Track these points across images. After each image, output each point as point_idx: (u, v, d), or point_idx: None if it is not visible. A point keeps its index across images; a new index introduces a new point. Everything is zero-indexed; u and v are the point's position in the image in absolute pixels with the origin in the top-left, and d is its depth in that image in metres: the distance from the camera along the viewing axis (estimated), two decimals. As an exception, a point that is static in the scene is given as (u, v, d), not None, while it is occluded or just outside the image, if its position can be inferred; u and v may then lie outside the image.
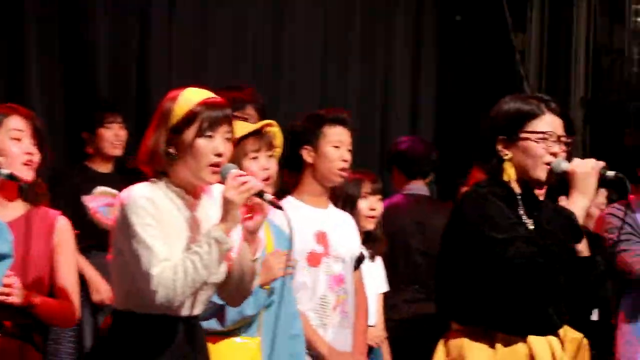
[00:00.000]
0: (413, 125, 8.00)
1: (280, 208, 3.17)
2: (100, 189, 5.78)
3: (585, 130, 8.37)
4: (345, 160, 4.40)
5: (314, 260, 4.39)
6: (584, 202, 3.25)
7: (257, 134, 3.89)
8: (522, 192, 3.38)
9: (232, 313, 3.77)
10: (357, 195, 4.84)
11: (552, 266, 3.18)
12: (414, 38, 8.06)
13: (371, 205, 4.93)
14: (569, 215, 3.22)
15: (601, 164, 3.28)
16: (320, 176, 4.42)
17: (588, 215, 3.57)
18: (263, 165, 3.85)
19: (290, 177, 5.34)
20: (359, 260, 4.64)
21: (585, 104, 8.45)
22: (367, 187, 4.91)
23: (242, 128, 3.69)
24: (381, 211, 4.98)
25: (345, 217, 4.59)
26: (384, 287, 5.12)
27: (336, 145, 4.39)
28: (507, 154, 3.35)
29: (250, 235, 3.22)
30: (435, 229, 5.36)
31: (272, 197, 3.19)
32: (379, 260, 5.06)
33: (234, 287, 3.32)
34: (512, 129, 3.34)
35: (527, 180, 3.37)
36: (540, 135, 3.31)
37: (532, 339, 3.30)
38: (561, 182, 3.33)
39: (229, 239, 3.12)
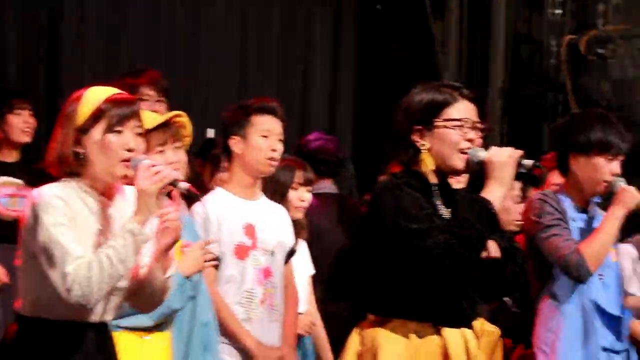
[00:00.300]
0: (332, 115, 7.97)
1: (196, 196, 3.14)
2: (1, 179, 5.53)
3: (503, 121, 8.42)
4: (274, 150, 4.29)
5: (241, 252, 4.30)
6: (500, 191, 3.23)
7: (164, 126, 3.82)
8: (439, 182, 3.36)
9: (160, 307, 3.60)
10: (288, 183, 4.73)
11: (470, 256, 3.16)
12: (334, 26, 8.04)
13: (301, 196, 4.78)
14: (485, 205, 3.19)
15: (519, 152, 3.26)
16: (249, 167, 4.32)
17: (503, 209, 3.60)
18: (168, 159, 3.75)
19: (203, 168, 5.30)
20: (290, 253, 4.55)
21: (504, 94, 8.50)
22: (299, 176, 4.77)
23: (147, 121, 3.54)
24: (310, 201, 4.85)
25: (277, 208, 4.51)
26: (311, 270, 5.03)
27: (265, 135, 4.28)
28: (423, 144, 3.33)
29: (163, 254, 3.16)
30: (345, 227, 5.62)
31: (188, 185, 3.11)
32: (303, 244, 4.91)
33: (143, 301, 3.27)
34: (427, 118, 3.31)
35: (443, 170, 3.35)
36: (456, 123, 3.29)
37: (446, 330, 3.29)
38: (479, 172, 3.32)
39: (145, 231, 3.05)
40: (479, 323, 3.40)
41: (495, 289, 3.47)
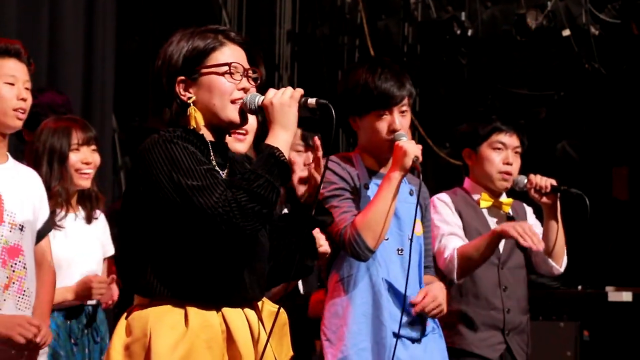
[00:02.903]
0: (87, 60, 7.13)
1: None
2: None
3: (293, 67, 8.40)
4: (23, 99, 4.04)
5: (-19, 227, 4.05)
6: (286, 135, 3.12)
7: None
8: (213, 139, 3.21)
9: None
10: (65, 148, 4.52)
11: (261, 212, 3.00)
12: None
13: (84, 157, 4.56)
14: (272, 152, 3.06)
15: (300, 91, 3.15)
16: None
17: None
18: None
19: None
20: (46, 228, 4.24)
21: (293, 36, 8.43)
22: (77, 136, 4.55)
23: None
24: (97, 165, 4.65)
25: (30, 175, 4.23)
26: (112, 250, 4.82)
27: (10, 82, 4.03)
28: (190, 96, 3.17)
29: None
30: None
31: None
32: (102, 220, 4.71)
33: None
34: (190, 67, 3.18)
35: (216, 124, 3.20)
36: (225, 68, 3.17)
37: (226, 311, 3.12)
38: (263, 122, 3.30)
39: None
40: (264, 304, 3.25)
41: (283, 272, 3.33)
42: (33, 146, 4.48)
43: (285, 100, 3.14)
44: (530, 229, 4.23)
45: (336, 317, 3.94)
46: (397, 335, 3.88)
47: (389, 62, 4.07)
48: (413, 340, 3.93)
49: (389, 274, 3.91)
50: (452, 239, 4.45)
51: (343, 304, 3.94)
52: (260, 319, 3.17)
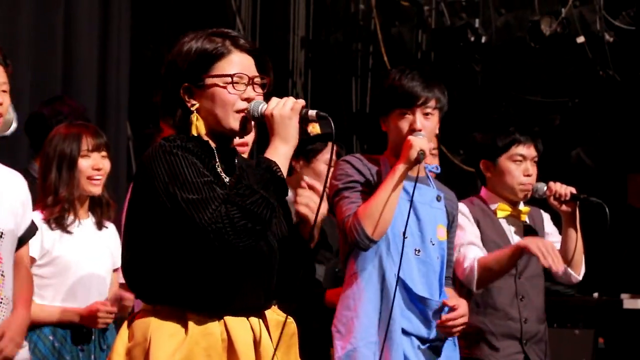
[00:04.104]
0: (102, 65, 7.11)
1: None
2: None
3: (307, 73, 8.31)
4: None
5: (-43, 234, 3.96)
6: (285, 149, 3.09)
7: None
8: (217, 145, 3.17)
9: None
10: (75, 154, 4.49)
11: (254, 229, 2.98)
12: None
13: (95, 164, 4.52)
14: (269, 166, 3.03)
15: (301, 102, 3.11)
16: None
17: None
18: None
19: None
20: (26, 236, 4.14)
21: (307, 43, 8.36)
22: (88, 142, 4.51)
23: None
24: (107, 171, 4.59)
25: (13, 178, 4.12)
26: (118, 262, 4.74)
27: None
28: (194, 104, 3.12)
29: None
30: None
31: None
32: (112, 228, 4.65)
33: None
34: (195, 74, 3.12)
35: (221, 132, 3.15)
36: (227, 79, 3.11)
37: (228, 319, 3.11)
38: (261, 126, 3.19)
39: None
40: (272, 312, 3.23)
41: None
42: (44, 151, 4.47)
43: (286, 113, 3.10)
44: (553, 248, 4.20)
45: (347, 310, 3.96)
46: (407, 333, 3.89)
47: (423, 66, 4.12)
48: (422, 340, 3.93)
49: (404, 272, 3.91)
50: (472, 248, 4.43)
51: (355, 297, 3.95)
52: (267, 328, 3.14)
